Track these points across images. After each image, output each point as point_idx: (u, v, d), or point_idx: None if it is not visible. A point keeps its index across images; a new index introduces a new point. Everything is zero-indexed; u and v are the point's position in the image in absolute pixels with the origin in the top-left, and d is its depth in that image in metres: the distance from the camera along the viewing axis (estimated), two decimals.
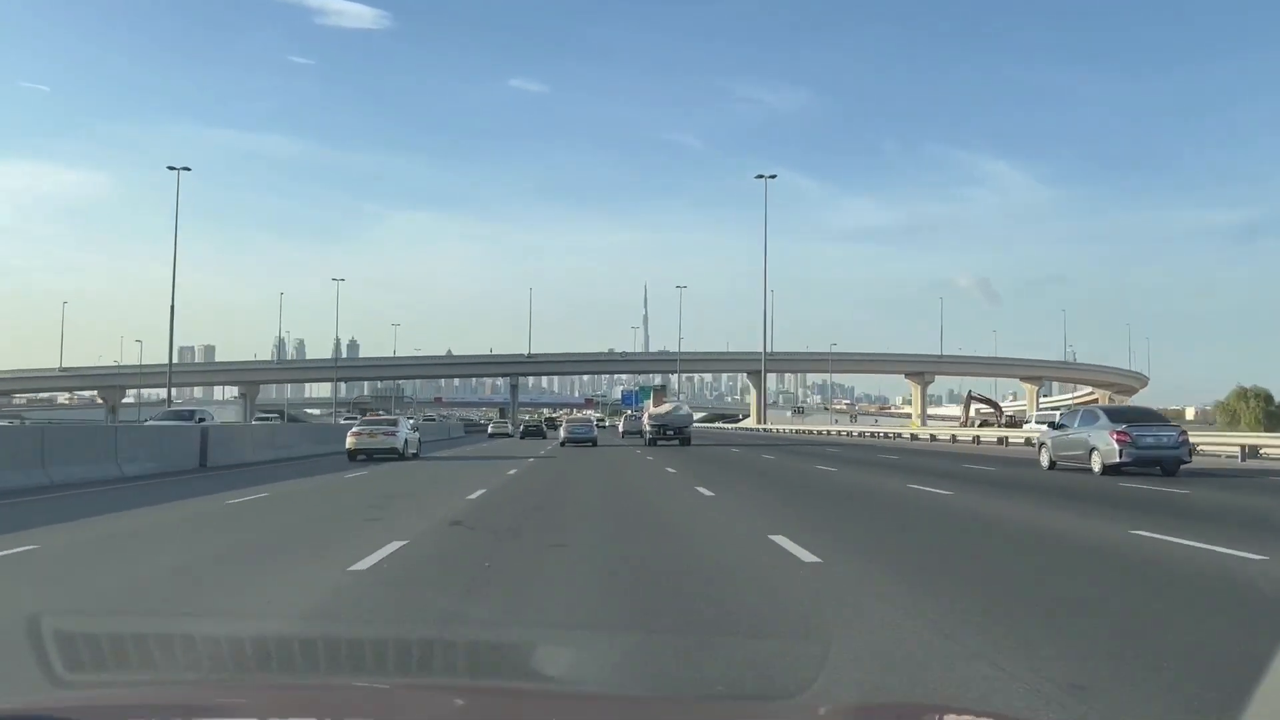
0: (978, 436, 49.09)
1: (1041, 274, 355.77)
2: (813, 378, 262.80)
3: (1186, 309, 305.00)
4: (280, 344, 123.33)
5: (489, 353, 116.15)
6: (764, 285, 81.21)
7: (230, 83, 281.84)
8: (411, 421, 35.53)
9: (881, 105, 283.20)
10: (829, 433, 68.13)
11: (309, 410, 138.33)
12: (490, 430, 65.36)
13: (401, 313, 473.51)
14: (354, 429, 29.71)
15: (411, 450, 29.20)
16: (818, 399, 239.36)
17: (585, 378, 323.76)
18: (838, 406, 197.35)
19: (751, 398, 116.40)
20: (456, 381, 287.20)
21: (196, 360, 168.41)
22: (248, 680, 3.77)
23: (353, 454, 27.28)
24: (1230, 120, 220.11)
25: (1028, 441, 35.12)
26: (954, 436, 51.90)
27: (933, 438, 52.86)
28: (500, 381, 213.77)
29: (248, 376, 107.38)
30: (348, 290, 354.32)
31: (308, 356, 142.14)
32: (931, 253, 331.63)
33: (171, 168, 55.61)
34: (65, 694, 3.20)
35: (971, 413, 75.45)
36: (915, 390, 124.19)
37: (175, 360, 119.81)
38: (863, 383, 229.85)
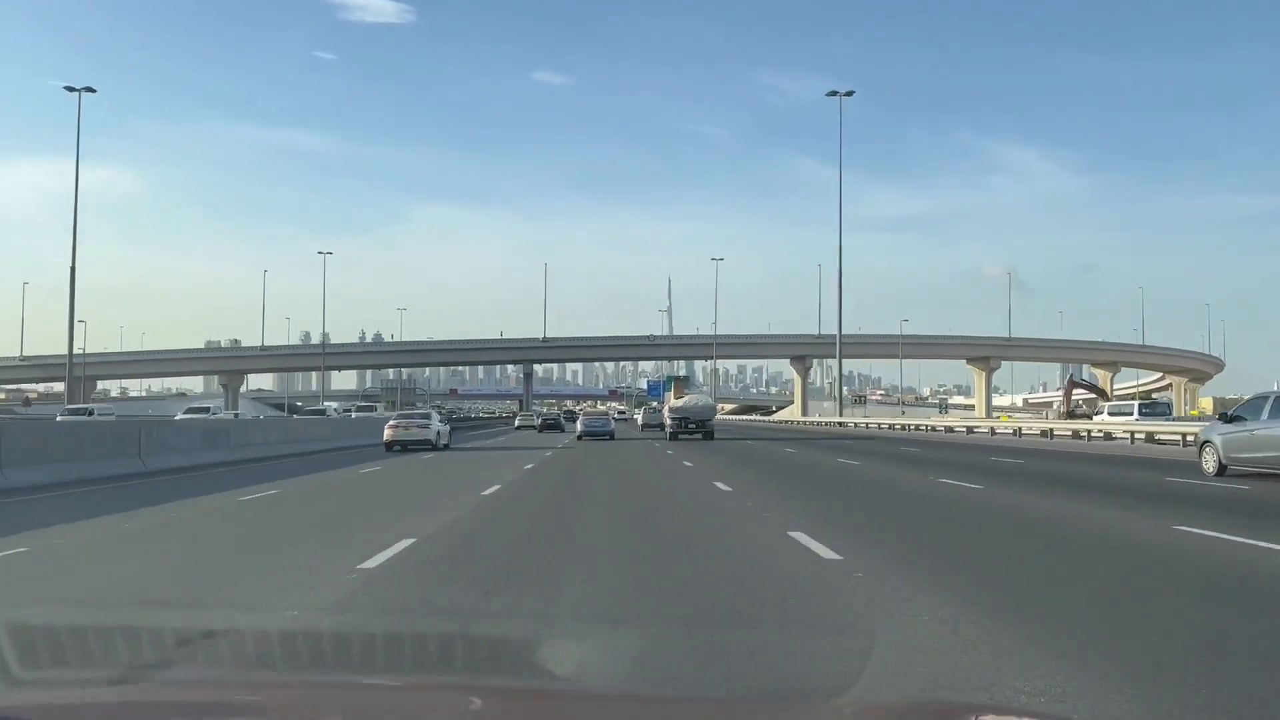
0: (1107, 432, 36.07)
1: (1072, 262, 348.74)
2: (836, 368, 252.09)
3: (1245, 295, 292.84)
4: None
5: (500, 336, 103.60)
6: (839, 236, 64.73)
7: (256, 79, 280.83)
8: (440, 415, 37.06)
9: (909, 93, 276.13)
10: (903, 427, 55.12)
11: (328, 404, 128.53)
12: (517, 423, 68.23)
13: (424, 307, 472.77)
14: (390, 422, 31.53)
15: (443, 442, 30.91)
16: (844, 390, 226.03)
17: (610, 369, 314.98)
18: (873, 396, 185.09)
19: (796, 386, 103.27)
20: (481, 373, 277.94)
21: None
22: (246, 678, 3.88)
23: (389, 445, 29.19)
24: (1266, 108, 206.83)
25: (1184, 440, 28.13)
26: (1074, 432, 38.72)
27: (1048, 434, 39.68)
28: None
29: (228, 365, 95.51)
30: (371, 285, 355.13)
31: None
32: (960, 242, 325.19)
33: (70, 89, 44.33)
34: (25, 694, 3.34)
35: (1070, 402, 63.05)
36: (979, 378, 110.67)
37: (142, 348, 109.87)
38: (889, 372, 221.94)
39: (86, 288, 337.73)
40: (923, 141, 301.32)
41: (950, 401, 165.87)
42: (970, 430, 46.22)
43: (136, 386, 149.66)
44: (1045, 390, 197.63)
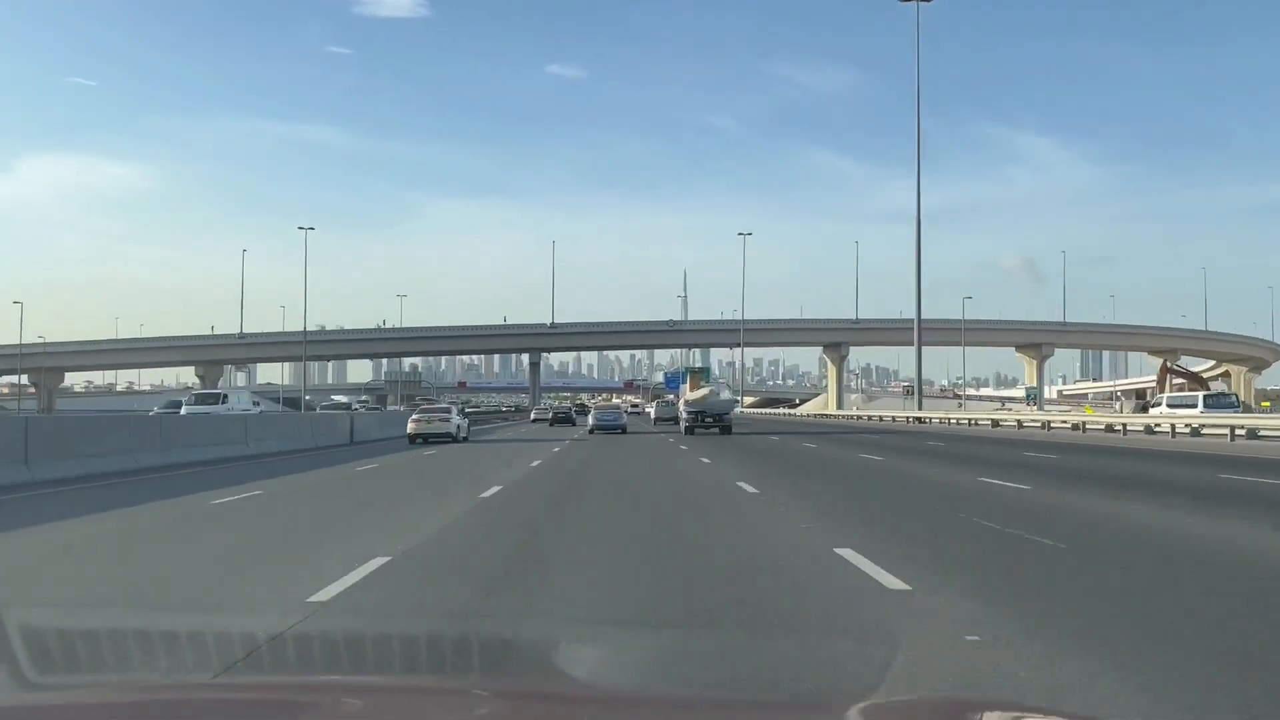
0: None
1: (1090, 253, 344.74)
2: (856, 361, 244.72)
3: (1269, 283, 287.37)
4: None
5: (503, 322, 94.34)
6: (917, 184, 51.44)
7: (272, 74, 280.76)
8: (459, 409, 38.83)
9: (924, 83, 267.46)
10: (973, 423, 45.90)
11: (337, 397, 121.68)
12: (533, 416, 69.26)
13: (437, 302, 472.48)
14: (414, 416, 33.10)
15: (463, 435, 32.37)
16: (863, 383, 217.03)
17: (625, 363, 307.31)
18: (894, 389, 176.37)
19: (830, 376, 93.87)
20: (496, 366, 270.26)
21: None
22: (245, 680, 3.83)
23: (413, 438, 30.41)
24: None
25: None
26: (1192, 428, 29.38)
27: (1190, 431, 30.20)
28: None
29: (204, 355, 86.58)
30: (385, 280, 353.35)
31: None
32: (976, 233, 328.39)
33: None
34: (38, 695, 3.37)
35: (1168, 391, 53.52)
36: (1029, 366, 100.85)
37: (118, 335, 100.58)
38: (907, 365, 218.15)
39: (95, 281, 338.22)
40: (938, 132, 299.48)
41: (978, 394, 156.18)
42: (1079, 427, 36.88)
43: (136, 380, 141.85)
44: (1064, 381, 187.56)
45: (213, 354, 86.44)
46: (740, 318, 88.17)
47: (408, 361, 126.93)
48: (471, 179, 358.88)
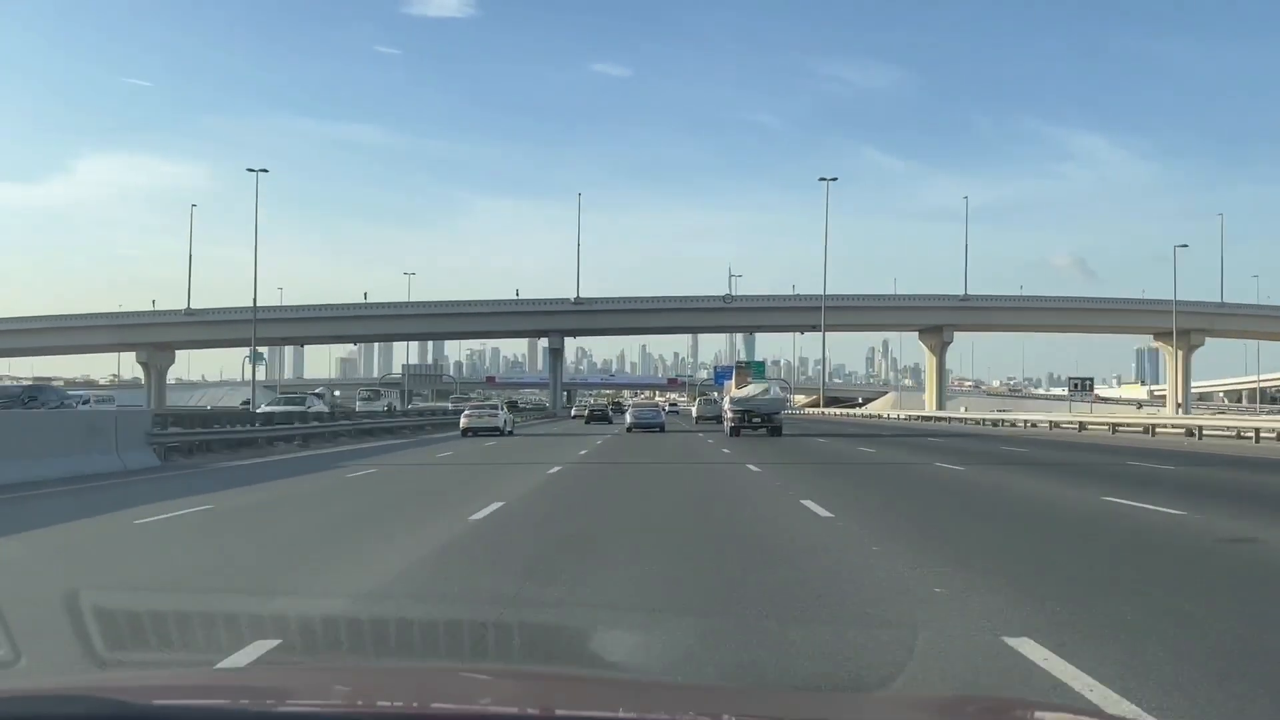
0: None
1: (1146, 252, 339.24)
2: (907, 356, 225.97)
3: None
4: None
5: (515, 296, 76.12)
6: None
7: (320, 74, 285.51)
8: (506, 405, 44.84)
9: (972, 81, 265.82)
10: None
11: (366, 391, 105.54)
12: (573, 413, 73.29)
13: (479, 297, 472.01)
14: (466, 412, 36.64)
15: (509, 429, 35.71)
16: (909, 381, 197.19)
17: (670, 360, 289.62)
18: (961, 387, 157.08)
19: (929, 367, 74.64)
20: (540, 362, 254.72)
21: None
22: (311, 663, 3.89)
23: (465, 431, 33.77)
24: None
25: None
26: None
27: None
28: (582, 363, 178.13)
29: (141, 336, 69.45)
30: (430, 280, 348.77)
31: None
32: (1027, 231, 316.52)
33: None
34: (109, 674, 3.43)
35: None
36: (1170, 358, 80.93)
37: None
38: (970, 362, 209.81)
39: (140, 279, 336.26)
40: (988, 129, 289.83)
41: (1104, 393, 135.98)
42: None
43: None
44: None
45: (152, 334, 69.18)
46: (822, 291, 68.49)
47: (452, 356, 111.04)
48: (515, 177, 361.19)
